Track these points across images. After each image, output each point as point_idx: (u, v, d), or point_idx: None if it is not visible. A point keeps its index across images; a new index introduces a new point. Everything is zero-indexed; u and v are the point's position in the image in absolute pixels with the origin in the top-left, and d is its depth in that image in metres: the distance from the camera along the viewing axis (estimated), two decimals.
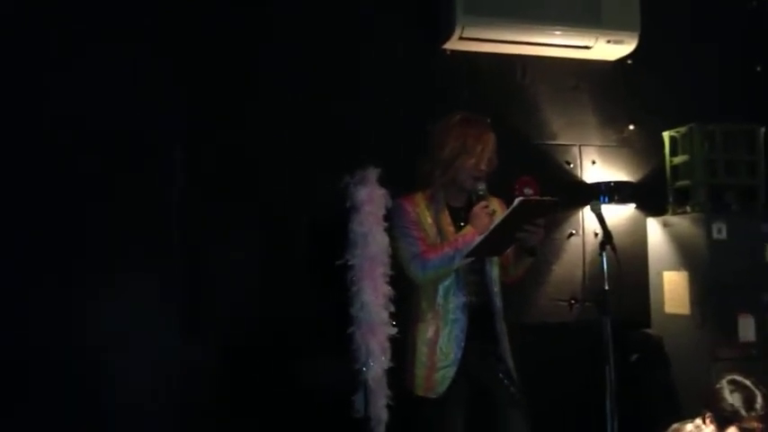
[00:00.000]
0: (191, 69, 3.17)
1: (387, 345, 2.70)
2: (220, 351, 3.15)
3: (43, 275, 2.96)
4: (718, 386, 2.52)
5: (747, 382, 2.49)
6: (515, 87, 3.70)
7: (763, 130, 3.72)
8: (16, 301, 2.90)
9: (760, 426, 2.44)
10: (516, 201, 2.43)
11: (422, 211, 2.68)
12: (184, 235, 3.15)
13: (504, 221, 2.46)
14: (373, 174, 2.77)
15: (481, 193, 2.63)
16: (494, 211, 2.61)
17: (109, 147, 3.05)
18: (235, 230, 3.22)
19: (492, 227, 2.49)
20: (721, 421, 2.47)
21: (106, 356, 2.97)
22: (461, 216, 2.66)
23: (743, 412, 2.43)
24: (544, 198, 2.58)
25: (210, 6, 3.25)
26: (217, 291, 3.19)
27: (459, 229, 2.64)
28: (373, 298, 2.67)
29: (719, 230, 3.45)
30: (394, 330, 2.71)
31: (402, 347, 2.72)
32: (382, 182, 2.80)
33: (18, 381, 2.88)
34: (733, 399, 2.46)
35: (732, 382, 2.51)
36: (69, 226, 3.01)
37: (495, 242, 2.55)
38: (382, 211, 2.72)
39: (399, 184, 2.78)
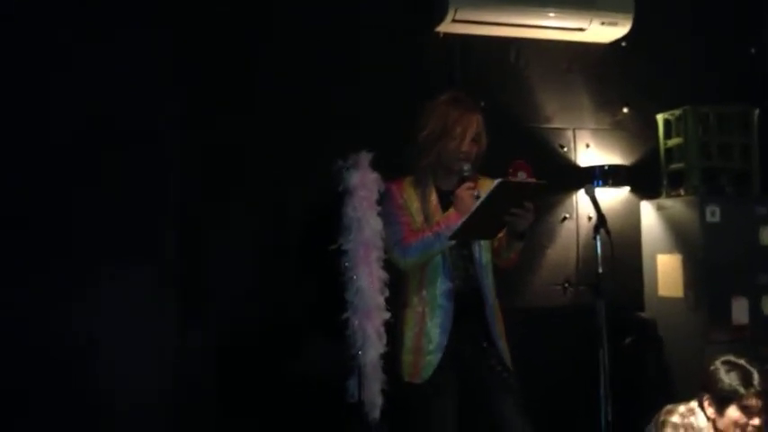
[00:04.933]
0: (186, 57, 3.15)
1: (382, 330, 2.68)
2: (215, 335, 3.14)
3: (34, 270, 2.92)
4: (712, 368, 2.54)
5: (742, 361, 2.52)
6: (509, 70, 3.68)
7: (756, 112, 3.72)
8: (4, 296, 2.86)
9: (759, 402, 2.47)
10: (496, 182, 2.39)
11: (409, 196, 2.66)
12: (179, 222, 3.13)
13: (485, 203, 2.41)
14: (366, 158, 2.74)
15: (466, 173, 2.59)
16: (479, 194, 2.52)
17: (104, 136, 3.02)
18: (229, 217, 3.20)
19: (473, 209, 2.44)
20: (720, 401, 2.50)
21: (100, 352, 2.95)
22: (451, 199, 2.62)
23: (741, 390, 2.46)
24: (526, 180, 2.53)
25: None
26: (212, 276, 3.18)
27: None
28: (368, 283, 2.65)
29: (713, 213, 3.45)
30: (389, 315, 2.70)
31: (393, 332, 2.72)
32: (375, 166, 2.77)
33: (10, 377, 2.84)
34: (730, 378, 2.48)
35: (727, 362, 2.53)
36: (60, 218, 2.97)
37: (480, 225, 2.50)
38: (375, 196, 2.69)
39: (393, 169, 2.75)
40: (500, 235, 2.66)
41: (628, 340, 3.55)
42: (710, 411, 2.52)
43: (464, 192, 2.55)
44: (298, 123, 3.28)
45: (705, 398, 2.54)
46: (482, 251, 2.67)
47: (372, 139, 2.90)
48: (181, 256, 3.10)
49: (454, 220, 2.51)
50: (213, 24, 3.22)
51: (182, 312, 3.08)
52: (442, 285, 2.60)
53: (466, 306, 2.61)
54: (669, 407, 2.62)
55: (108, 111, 3.03)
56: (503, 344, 2.66)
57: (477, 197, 2.49)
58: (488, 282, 2.67)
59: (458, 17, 3.38)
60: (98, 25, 3.04)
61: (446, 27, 3.47)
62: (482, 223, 2.50)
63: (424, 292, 2.62)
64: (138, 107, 3.07)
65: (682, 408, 2.59)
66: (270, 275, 3.23)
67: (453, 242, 2.55)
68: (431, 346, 2.57)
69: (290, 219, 3.27)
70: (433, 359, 2.57)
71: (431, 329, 2.59)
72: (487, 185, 2.53)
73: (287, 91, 3.29)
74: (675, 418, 2.56)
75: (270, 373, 3.14)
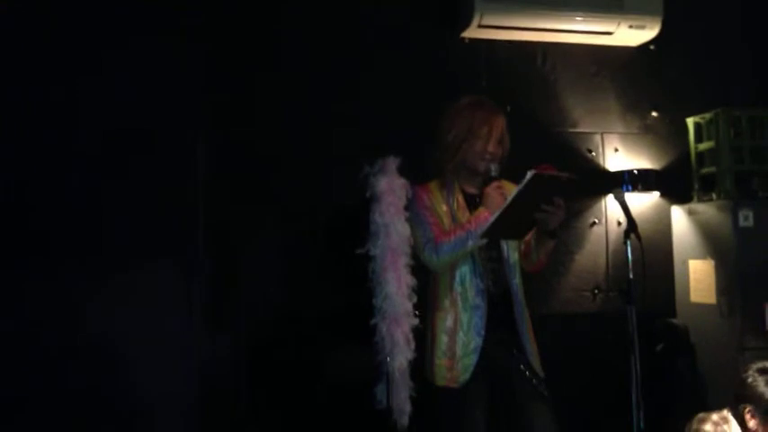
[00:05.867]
0: (213, 61, 3.20)
1: (411, 335, 2.66)
2: (243, 341, 3.16)
3: (61, 269, 2.97)
4: (750, 380, 2.48)
5: None
6: (535, 75, 3.66)
7: None
8: (28, 295, 2.92)
9: None
10: (529, 174, 2.36)
11: (436, 199, 2.66)
12: (207, 226, 3.16)
13: (517, 197, 2.39)
14: (393, 163, 2.73)
15: (494, 174, 2.60)
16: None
17: (132, 140, 3.08)
18: (256, 221, 3.22)
19: (506, 203, 2.43)
20: (765, 413, 2.44)
21: (126, 352, 2.99)
22: (476, 201, 2.62)
23: None
24: (558, 173, 2.51)
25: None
26: (239, 281, 3.19)
27: None
28: (397, 289, 2.64)
29: (746, 218, 3.39)
30: (417, 321, 2.68)
31: (423, 337, 2.70)
32: (402, 171, 2.77)
33: (32, 377, 2.89)
34: None
35: (763, 371, 2.48)
36: (88, 219, 3.03)
37: (511, 222, 2.48)
38: (403, 201, 2.68)
39: (418, 174, 2.74)
40: (527, 238, 2.64)
41: (659, 347, 3.51)
42: (753, 423, 2.47)
43: (493, 190, 2.55)
44: (322, 124, 3.29)
45: (747, 409, 2.48)
46: (510, 251, 2.66)
47: (397, 144, 2.89)
48: (207, 257, 3.13)
49: (484, 217, 2.50)
50: (236, 28, 3.25)
51: (207, 313, 3.11)
52: (474, 286, 2.59)
53: (497, 307, 2.59)
54: (701, 415, 2.58)
55: (134, 115, 3.09)
56: (532, 349, 2.64)
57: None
58: (517, 281, 2.66)
59: (483, 22, 3.37)
60: (128, 33, 3.09)
61: (472, 32, 3.46)
62: (513, 220, 2.47)
63: (456, 294, 2.60)
64: (162, 113, 3.12)
65: (714, 416, 2.55)
66: (296, 276, 3.24)
67: (485, 240, 2.54)
68: (466, 350, 2.55)
69: (316, 220, 3.28)
70: (469, 362, 2.54)
71: (465, 332, 2.56)
72: (512, 189, 2.52)
73: (310, 91, 3.30)
74: (708, 427, 2.52)
75: (297, 377, 3.14)
